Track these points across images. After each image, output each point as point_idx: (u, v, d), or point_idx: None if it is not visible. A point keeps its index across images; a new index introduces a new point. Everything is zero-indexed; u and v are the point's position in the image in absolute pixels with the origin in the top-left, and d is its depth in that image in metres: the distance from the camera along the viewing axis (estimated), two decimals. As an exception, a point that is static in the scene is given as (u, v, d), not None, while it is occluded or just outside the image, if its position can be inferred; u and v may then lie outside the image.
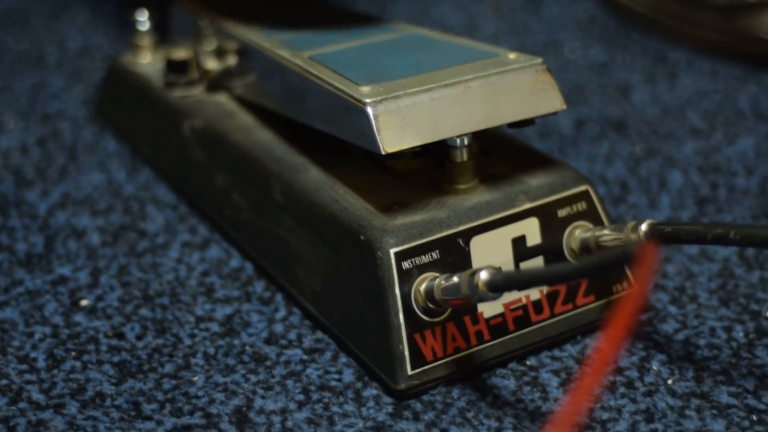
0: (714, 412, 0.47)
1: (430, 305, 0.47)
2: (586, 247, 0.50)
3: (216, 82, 0.61)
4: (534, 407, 0.47)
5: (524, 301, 0.49)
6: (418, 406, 0.47)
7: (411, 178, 0.51)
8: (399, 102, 0.47)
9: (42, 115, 0.68)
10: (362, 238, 0.48)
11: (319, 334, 0.51)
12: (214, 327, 0.52)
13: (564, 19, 0.81)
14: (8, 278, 0.55)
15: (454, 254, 0.48)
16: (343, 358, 0.50)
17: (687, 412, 0.47)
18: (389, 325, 0.47)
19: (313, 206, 0.51)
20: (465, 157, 0.50)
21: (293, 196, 0.52)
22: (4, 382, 0.48)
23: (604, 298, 0.50)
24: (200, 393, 0.48)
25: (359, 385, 0.48)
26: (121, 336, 0.51)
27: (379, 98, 0.47)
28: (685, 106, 0.69)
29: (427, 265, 0.47)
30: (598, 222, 0.51)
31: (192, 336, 0.51)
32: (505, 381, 0.48)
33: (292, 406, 0.47)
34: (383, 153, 0.47)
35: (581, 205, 0.51)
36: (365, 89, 0.48)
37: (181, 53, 0.62)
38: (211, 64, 0.61)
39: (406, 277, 0.47)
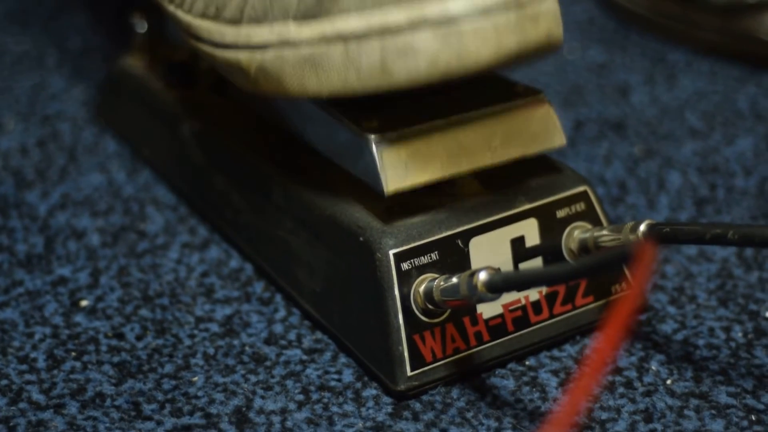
0: (713, 412, 0.47)
1: (430, 306, 0.47)
2: (584, 248, 0.50)
3: (216, 84, 0.61)
4: (533, 407, 0.47)
5: (523, 301, 0.49)
6: (418, 406, 0.47)
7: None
8: (403, 140, 0.47)
9: (42, 117, 0.68)
10: (361, 239, 0.48)
11: (319, 335, 0.51)
12: (214, 327, 0.52)
13: (563, 20, 0.81)
14: (8, 279, 0.55)
15: (453, 255, 0.48)
16: (342, 359, 0.50)
17: (686, 412, 0.47)
18: (388, 326, 0.47)
19: (313, 208, 0.51)
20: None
21: (293, 197, 0.52)
22: (4, 382, 0.49)
23: (603, 299, 0.51)
24: (200, 393, 0.48)
25: (359, 385, 0.48)
26: (121, 336, 0.51)
27: (384, 135, 0.47)
28: (683, 106, 0.69)
29: (426, 266, 0.48)
30: (596, 223, 0.51)
31: (192, 336, 0.51)
32: (504, 381, 0.48)
33: (292, 406, 0.47)
34: (386, 194, 0.47)
35: (580, 206, 0.51)
36: (371, 124, 0.48)
37: (180, 55, 0.62)
38: (211, 66, 0.61)
39: (406, 278, 0.47)
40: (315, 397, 0.48)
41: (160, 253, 0.56)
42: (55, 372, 0.49)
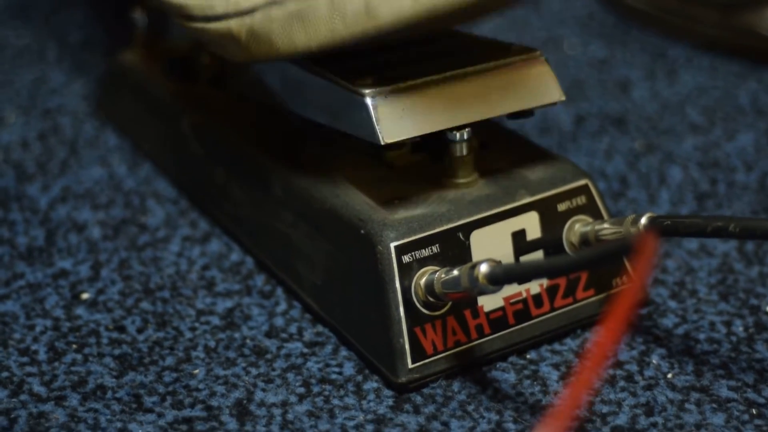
0: (714, 405, 0.47)
1: (431, 299, 0.47)
2: (585, 241, 0.50)
3: (215, 78, 0.61)
4: (534, 400, 0.47)
5: (524, 294, 0.49)
6: (419, 399, 0.47)
7: (411, 173, 0.51)
8: (398, 94, 0.47)
9: (43, 110, 0.68)
10: (362, 232, 0.48)
11: (320, 328, 0.51)
12: (215, 320, 0.52)
13: (563, 16, 0.81)
14: (9, 271, 0.55)
15: (454, 248, 0.48)
16: (343, 352, 0.50)
17: (687, 405, 0.47)
18: (390, 319, 0.47)
19: (313, 201, 0.51)
20: (465, 152, 0.50)
21: (293, 190, 0.52)
22: (6, 374, 0.49)
23: (604, 292, 0.51)
24: (201, 386, 0.48)
25: (360, 378, 0.48)
26: (122, 329, 0.51)
27: (378, 90, 0.47)
28: (684, 102, 0.69)
29: (427, 259, 0.48)
30: (597, 216, 0.51)
31: (193, 329, 0.51)
32: (505, 374, 0.48)
33: (293, 399, 0.47)
34: (382, 143, 0.47)
35: (581, 199, 0.51)
36: (365, 81, 0.48)
37: (180, 50, 0.62)
38: (211, 60, 0.61)
39: (407, 271, 0.47)
40: (316, 389, 0.48)
41: (161, 246, 0.56)
42: (56, 364, 0.49)
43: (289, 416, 0.46)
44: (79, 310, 0.52)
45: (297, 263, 0.52)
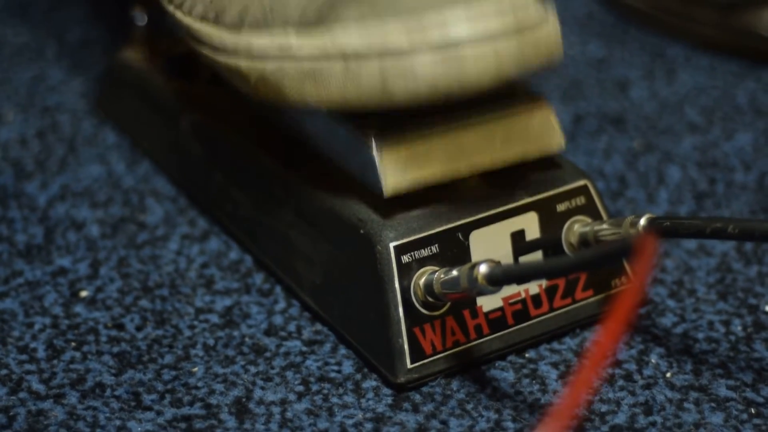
0: (712, 405, 0.47)
1: (430, 299, 0.47)
2: (585, 242, 0.50)
3: (215, 77, 0.61)
4: (533, 399, 0.47)
5: (523, 295, 0.49)
6: (418, 397, 0.47)
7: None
8: (402, 142, 0.47)
9: (41, 108, 0.68)
10: (362, 231, 0.48)
11: (319, 326, 0.51)
12: (214, 318, 0.52)
13: (562, 15, 0.80)
14: (8, 269, 0.55)
15: (453, 248, 0.48)
16: (342, 350, 0.50)
17: (685, 404, 0.47)
18: (389, 319, 0.47)
19: (313, 200, 0.51)
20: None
21: (293, 190, 0.52)
22: (4, 372, 0.49)
23: (602, 293, 0.51)
24: (200, 384, 0.48)
25: (359, 376, 0.48)
26: (120, 327, 0.51)
27: (383, 138, 0.47)
28: (683, 101, 0.69)
29: (426, 259, 0.48)
30: (597, 216, 0.51)
31: (192, 327, 0.51)
32: (504, 373, 0.49)
33: (292, 397, 0.47)
34: (385, 197, 0.47)
35: (580, 200, 0.51)
36: (369, 127, 0.48)
37: (180, 48, 0.62)
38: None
39: (406, 271, 0.47)
40: (315, 388, 0.48)
41: (159, 244, 0.56)
42: (55, 362, 0.49)
43: (288, 414, 0.46)
44: (78, 308, 0.52)
45: (296, 262, 0.52)
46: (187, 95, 0.61)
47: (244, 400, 0.47)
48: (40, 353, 0.50)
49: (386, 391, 0.48)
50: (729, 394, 0.47)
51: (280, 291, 0.53)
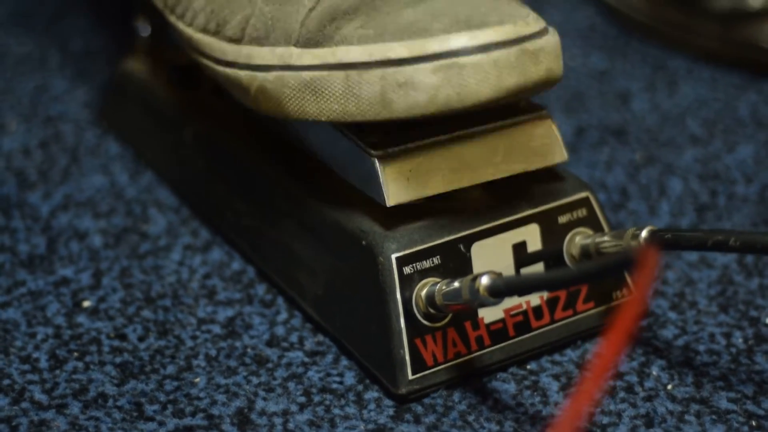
0: (713, 417, 0.47)
1: (431, 310, 0.47)
2: (586, 254, 0.50)
3: (218, 87, 0.61)
4: (534, 411, 0.47)
5: (524, 306, 0.49)
6: (419, 409, 0.47)
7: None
8: (405, 155, 0.48)
9: (44, 118, 0.69)
10: (364, 243, 0.48)
11: (321, 337, 0.51)
12: (216, 329, 0.52)
13: (565, 27, 0.81)
14: (11, 279, 0.55)
15: (455, 260, 0.48)
16: (344, 361, 0.50)
17: (686, 417, 0.47)
18: (390, 330, 0.47)
19: (315, 212, 0.51)
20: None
21: (295, 201, 0.52)
22: (7, 382, 0.49)
23: (604, 305, 0.51)
24: (202, 394, 0.48)
25: (360, 387, 0.48)
26: (123, 337, 0.51)
27: (386, 151, 0.47)
28: (684, 113, 0.69)
29: (428, 271, 0.48)
30: (598, 228, 0.51)
31: (194, 338, 0.51)
32: (505, 385, 0.49)
33: (294, 408, 0.47)
34: (388, 206, 0.47)
35: (582, 212, 0.51)
36: (373, 141, 0.48)
37: (183, 58, 0.62)
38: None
39: (408, 282, 0.47)
40: (317, 399, 0.48)
41: (162, 254, 0.57)
42: (58, 372, 0.49)
43: (290, 425, 0.47)
44: (81, 318, 0.52)
45: (298, 273, 0.52)
46: (190, 105, 0.61)
47: (246, 410, 0.47)
48: (43, 363, 0.50)
49: (388, 402, 0.48)
50: (730, 406, 0.47)
51: (282, 302, 0.53)
